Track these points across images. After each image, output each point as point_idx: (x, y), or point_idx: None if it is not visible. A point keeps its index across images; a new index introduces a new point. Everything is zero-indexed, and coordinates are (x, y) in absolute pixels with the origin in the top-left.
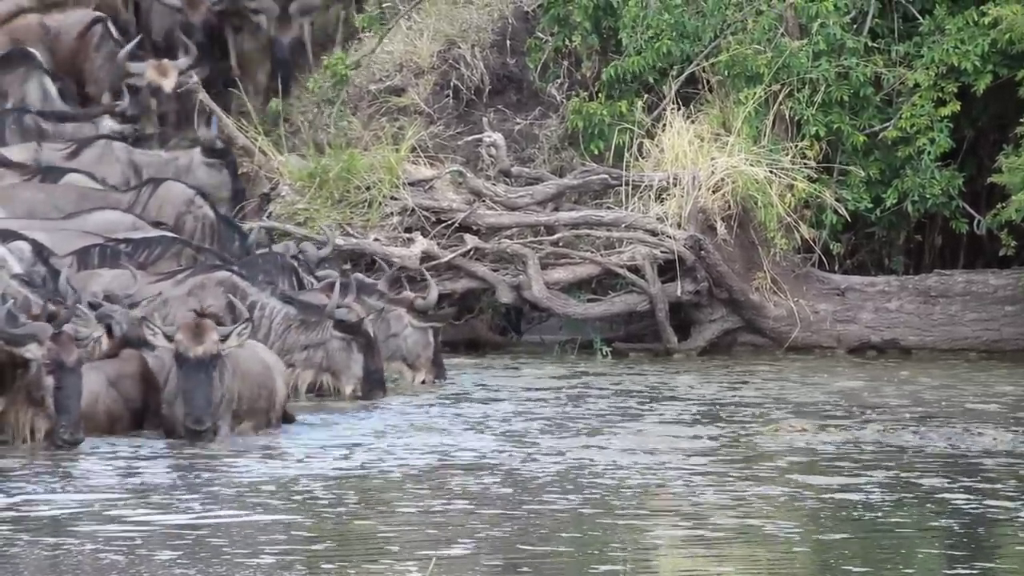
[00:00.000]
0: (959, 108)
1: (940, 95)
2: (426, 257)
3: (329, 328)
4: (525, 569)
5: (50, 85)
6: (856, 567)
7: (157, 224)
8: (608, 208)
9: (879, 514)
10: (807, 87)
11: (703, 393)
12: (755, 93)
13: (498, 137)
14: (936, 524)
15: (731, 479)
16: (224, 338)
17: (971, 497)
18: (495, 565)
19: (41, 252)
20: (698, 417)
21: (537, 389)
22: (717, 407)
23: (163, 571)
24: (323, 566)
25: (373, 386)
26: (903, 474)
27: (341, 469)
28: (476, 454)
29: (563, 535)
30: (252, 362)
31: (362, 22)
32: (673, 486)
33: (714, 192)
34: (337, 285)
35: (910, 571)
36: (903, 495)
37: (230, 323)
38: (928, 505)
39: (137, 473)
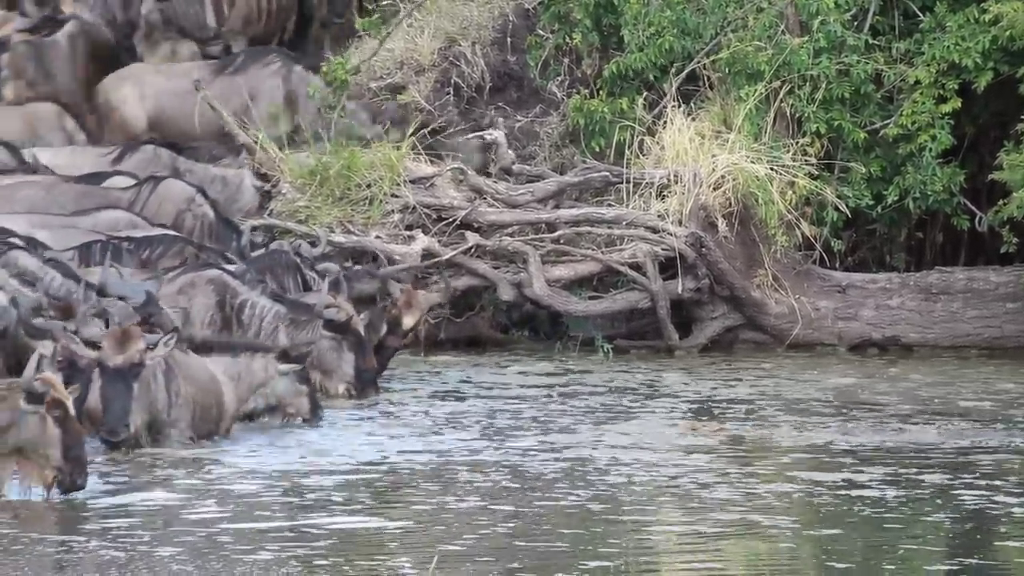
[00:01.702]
0: (960, 105)
1: (941, 92)
2: (427, 255)
3: (319, 327)
4: (516, 565)
5: (307, 76)
6: (845, 562)
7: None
8: (609, 205)
9: (881, 510)
10: (808, 84)
11: (698, 390)
12: (756, 90)
13: (499, 134)
14: (931, 519)
15: (733, 476)
16: (151, 347)
17: (972, 493)
18: (489, 560)
19: (35, 249)
20: (691, 414)
21: (535, 386)
22: (711, 404)
23: (160, 567)
24: (317, 562)
25: (365, 385)
26: (902, 470)
27: (348, 467)
28: (478, 451)
29: (565, 531)
30: (201, 372)
31: (362, 25)
32: (677, 482)
33: (715, 189)
34: (325, 284)
35: (895, 566)
36: (903, 491)
37: (220, 321)
38: (937, 501)
39: (147, 469)
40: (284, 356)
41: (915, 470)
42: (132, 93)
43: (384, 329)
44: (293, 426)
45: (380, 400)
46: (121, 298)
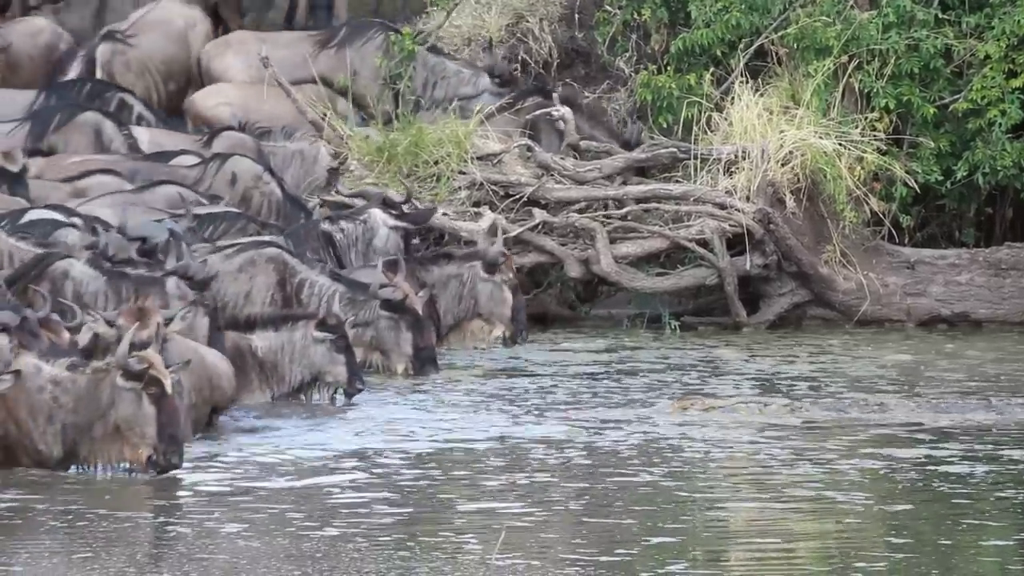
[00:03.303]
0: None
1: (1011, 67)
2: (494, 231)
3: (376, 307)
4: (580, 541)
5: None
6: (905, 538)
7: (215, 198)
8: (677, 182)
9: (957, 486)
10: (877, 59)
11: (762, 367)
12: (824, 65)
13: (566, 111)
14: (1003, 495)
15: (809, 453)
16: (168, 322)
17: None
18: (554, 536)
19: (94, 228)
20: (759, 391)
21: (600, 363)
22: (775, 380)
23: (226, 543)
24: (382, 539)
25: (424, 363)
26: (979, 446)
27: (416, 444)
28: (543, 428)
29: (636, 508)
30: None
31: None
32: (754, 459)
33: (783, 165)
34: (381, 263)
35: (952, 541)
36: (981, 467)
37: (281, 300)
38: (1022, 478)
39: (221, 444)
40: (321, 324)
41: (991, 446)
42: (236, 61)
43: (511, 295)
44: (336, 400)
45: (439, 378)
46: (143, 239)
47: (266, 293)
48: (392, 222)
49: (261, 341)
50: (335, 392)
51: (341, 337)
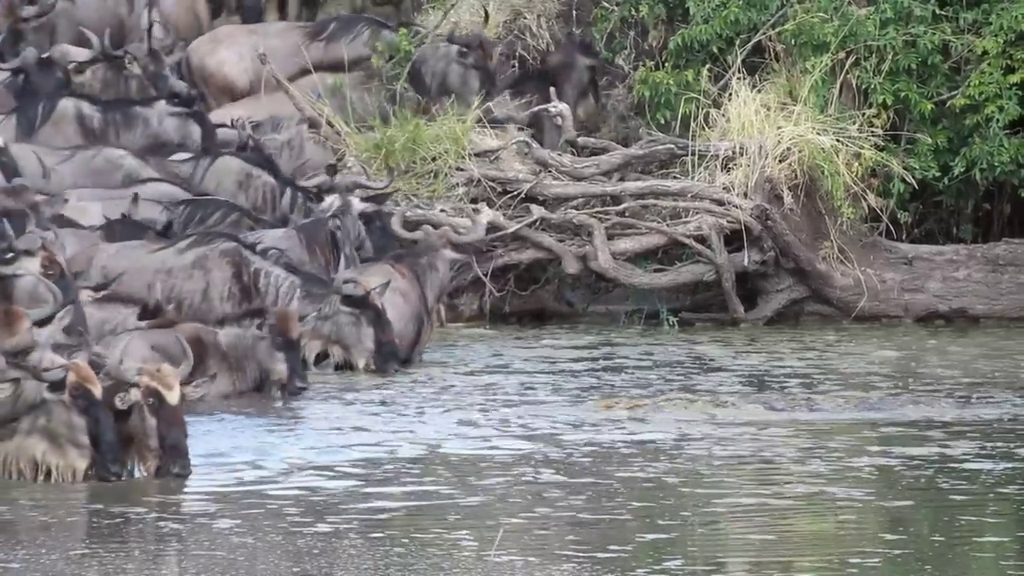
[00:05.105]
0: None
1: (1009, 62)
2: (492, 228)
3: (336, 302)
4: (573, 538)
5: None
6: (898, 534)
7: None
8: (675, 178)
9: (961, 482)
10: (874, 55)
11: (753, 363)
12: (822, 62)
13: (564, 107)
14: (1005, 491)
15: (815, 451)
16: (42, 323)
17: None
18: (548, 533)
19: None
20: (753, 389)
21: (592, 359)
22: (767, 378)
23: (220, 539)
24: (373, 535)
25: (386, 358)
26: (988, 443)
27: (414, 443)
28: (539, 426)
29: (636, 504)
30: None
31: None
32: (757, 456)
33: (781, 161)
34: (343, 258)
35: (945, 536)
36: (988, 465)
37: (239, 293)
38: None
39: (218, 442)
40: (258, 315)
41: (1001, 444)
42: (230, 55)
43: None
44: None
45: (427, 375)
46: None
47: (223, 288)
48: (361, 206)
49: (224, 337)
50: (280, 389)
51: (279, 335)
